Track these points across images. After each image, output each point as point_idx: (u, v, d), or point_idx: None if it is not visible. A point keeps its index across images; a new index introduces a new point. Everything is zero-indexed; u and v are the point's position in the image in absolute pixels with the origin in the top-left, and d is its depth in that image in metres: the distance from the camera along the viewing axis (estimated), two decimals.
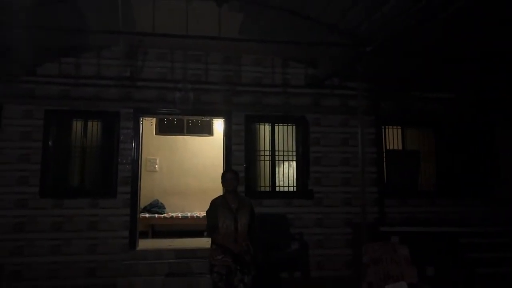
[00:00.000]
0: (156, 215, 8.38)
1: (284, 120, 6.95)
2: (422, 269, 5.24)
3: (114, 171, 6.37)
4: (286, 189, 6.91)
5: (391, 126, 7.23)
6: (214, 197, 4.11)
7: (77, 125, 6.50)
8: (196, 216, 8.45)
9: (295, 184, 6.92)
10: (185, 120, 9.11)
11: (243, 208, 4.00)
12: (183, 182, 9.22)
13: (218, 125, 8.90)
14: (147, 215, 8.29)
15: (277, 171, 6.94)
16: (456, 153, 7.25)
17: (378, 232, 6.11)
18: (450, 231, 6.22)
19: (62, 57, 6.40)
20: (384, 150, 7.11)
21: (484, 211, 7.03)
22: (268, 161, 6.91)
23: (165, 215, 8.46)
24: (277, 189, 6.88)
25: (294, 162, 6.99)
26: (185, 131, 9.33)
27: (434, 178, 7.23)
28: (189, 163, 9.28)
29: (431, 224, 6.63)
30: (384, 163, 7.07)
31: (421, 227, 6.28)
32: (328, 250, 6.66)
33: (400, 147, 7.24)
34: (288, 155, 7.00)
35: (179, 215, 8.51)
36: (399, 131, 7.28)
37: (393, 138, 7.21)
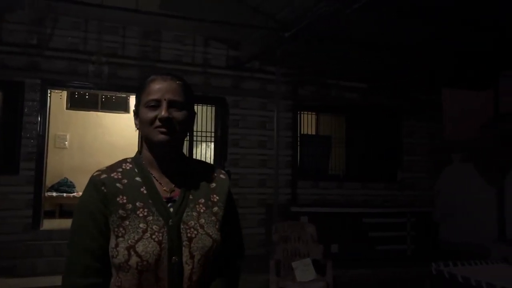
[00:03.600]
0: (65, 194, 7.94)
1: (203, 101, 6.90)
2: (327, 247, 5.59)
3: (17, 146, 5.89)
4: None
5: (306, 112, 7.51)
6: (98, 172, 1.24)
7: None
8: None
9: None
10: (99, 95, 8.66)
11: (203, 198, 1.27)
12: (96, 161, 8.79)
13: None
14: (54, 193, 7.82)
15: (194, 152, 6.91)
16: (365, 139, 7.75)
17: (289, 212, 6.38)
18: (355, 211, 6.68)
19: None
20: (298, 135, 7.38)
21: (386, 194, 7.69)
22: (186, 141, 6.83)
23: (74, 194, 8.04)
24: None
25: (213, 144, 7.00)
26: (99, 107, 8.88)
27: (343, 162, 7.68)
28: (102, 141, 8.88)
29: (339, 205, 7.07)
30: (298, 147, 7.35)
31: (329, 208, 6.67)
32: (243, 229, 6.80)
33: (314, 132, 7.57)
34: (206, 136, 6.99)
35: None
36: (314, 116, 7.60)
37: (307, 123, 7.51)
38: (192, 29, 6.58)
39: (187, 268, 1.13)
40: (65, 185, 8.22)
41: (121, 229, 1.13)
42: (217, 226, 1.22)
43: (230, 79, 7.01)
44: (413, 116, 8.12)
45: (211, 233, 1.18)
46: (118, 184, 1.19)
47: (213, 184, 1.30)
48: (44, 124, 6.09)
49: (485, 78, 7.04)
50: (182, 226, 1.15)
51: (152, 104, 1.20)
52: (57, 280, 5.29)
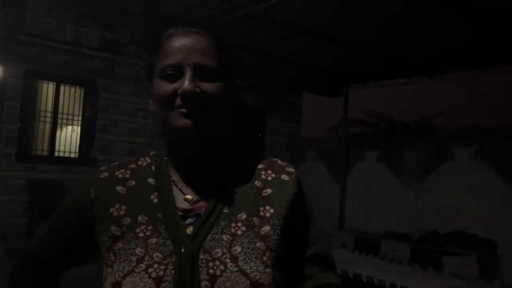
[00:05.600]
0: None
1: (72, 82, 6.46)
2: None
3: None
4: (67, 154, 6.49)
5: None
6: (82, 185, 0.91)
7: None
8: None
9: (77, 150, 6.58)
10: None
11: (245, 213, 0.80)
12: None
13: None
14: None
15: (58, 135, 6.45)
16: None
17: None
18: None
19: None
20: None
21: None
22: (49, 123, 6.33)
23: None
24: (56, 154, 6.40)
25: (79, 127, 6.62)
26: None
27: None
28: None
29: None
30: None
31: None
32: None
33: None
34: (73, 119, 6.57)
35: None
36: None
37: None
38: (63, 2, 6.11)
39: None
40: None
41: (111, 254, 0.77)
42: (264, 258, 0.75)
43: (103, 62, 6.70)
44: (277, 115, 8.85)
45: (248, 270, 0.73)
46: (119, 187, 0.83)
47: (268, 191, 0.83)
48: None
49: (338, 87, 8.06)
50: (202, 257, 0.73)
51: (170, 72, 0.79)
52: None
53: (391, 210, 7.05)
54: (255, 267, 0.73)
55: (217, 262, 0.73)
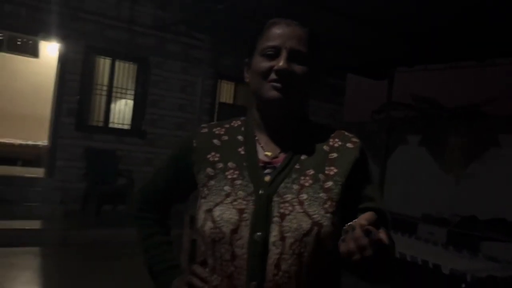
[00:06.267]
0: None
1: (126, 58, 6.86)
2: None
3: None
4: (120, 126, 6.94)
5: (226, 81, 7.86)
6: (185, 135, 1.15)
7: None
8: (10, 143, 7.76)
9: (129, 123, 7.01)
10: (5, 35, 8.01)
11: (313, 169, 0.99)
12: None
13: (47, 47, 8.13)
14: None
15: (112, 107, 6.90)
16: None
17: None
18: None
19: None
20: (217, 102, 7.73)
21: None
22: (104, 96, 6.79)
23: None
24: (110, 125, 6.86)
25: (132, 101, 7.03)
26: (4, 47, 8.22)
27: None
28: (6, 84, 8.31)
29: None
30: (215, 114, 7.72)
31: None
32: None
33: (232, 101, 7.98)
34: (126, 93, 6.99)
35: None
36: (233, 86, 7.99)
37: (226, 92, 7.88)
38: None
39: (274, 251, 0.89)
40: None
41: (205, 189, 0.99)
42: (326, 206, 0.92)
43: (154, 40, 7.03)
44: (318, 96, 8.92)
45: (311, 213, 0.90)
46: (215, 140, 1.04)
47: (334, 154, 1.00)
48: None
49: (383, 70, 8.01)
50: (275, 199, 0.92)
51: (269, 52, 0.98)
52: None
53: (431, 194, 7.05)
54: (317, 211, 0.91)
55: (286, 204, 0.92)
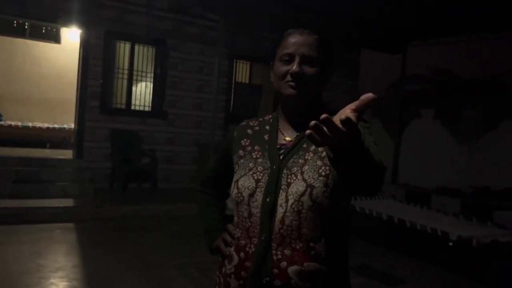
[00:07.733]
0: None
1: (145, 41, 7.09)
2: None
3: None
4: (141, 108, 7.24)
5: (241, 61, 8.03)
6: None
7: None
8: (39, 126, 8.16)
9: (150, 105, 7.30)
10: (28, 23, 8.32)
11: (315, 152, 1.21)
12: (23, 89, 8.62)
13: (68, 33, 8.41)
14: None
15: (133, 90, 7.18)
16: None
17: None
18: None
19: None
20: (233, 82, 7.93)
21: None
22: (125, 80, 7.07)
23: (2, 123, 7.93)
24: (132, 107, 7.16)
25: (152, 84, 7.30)
26: (28, 34, 8.55)
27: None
28: (30, 70, 8.67)
29: None
30: (232, 93, 7.93)
31: None
32: (175, 165, 7.41)
33: (247, 81, 8.17)
34: (146, 76, 7.25)
35: (19, 124, 8.08)
36: (248, 66, 8.16)
37: (242, 71, 8.06)
38: None
39: (280, 211, 1.15)
40: None
41: (236, 166, 1.28)
42: (320, 171, 1.14)
43: (171, 22, 7.23)
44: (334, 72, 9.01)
45: (307, 178, 1.14)
46: (249, 130, 1.33)
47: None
48: None
49: (397, 44, 8.05)
50: (284, 171, 1.18)
51: (286, 58, 1.21)
52: None
53: (445, 166, 7.19)
54: (312, 176, 1.14)
55: (292, 175, 1.17)
